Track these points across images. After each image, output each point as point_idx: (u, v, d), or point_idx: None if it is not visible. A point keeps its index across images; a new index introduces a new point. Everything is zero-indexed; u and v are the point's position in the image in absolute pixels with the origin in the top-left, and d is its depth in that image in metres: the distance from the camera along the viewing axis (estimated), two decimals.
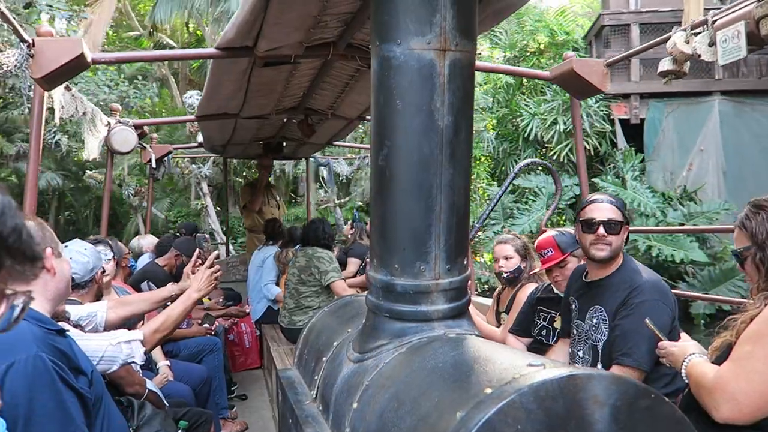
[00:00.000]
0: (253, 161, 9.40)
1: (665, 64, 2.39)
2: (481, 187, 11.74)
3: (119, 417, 1.82)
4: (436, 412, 1.01)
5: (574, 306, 2.43)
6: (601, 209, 2.34)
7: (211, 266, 2.35)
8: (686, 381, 1.72)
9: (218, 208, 13.13)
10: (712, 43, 2.10)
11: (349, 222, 7.89)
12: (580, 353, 2.31)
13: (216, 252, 2.30)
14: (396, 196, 1.48)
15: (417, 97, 1.43)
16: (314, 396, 1.84)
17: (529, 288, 3.07)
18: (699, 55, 2.15)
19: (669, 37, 2.33)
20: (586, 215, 2.31)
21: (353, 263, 5.60)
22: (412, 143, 1.45)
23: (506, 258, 3.19)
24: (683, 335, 2.19)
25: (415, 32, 1.41)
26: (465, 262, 1.57)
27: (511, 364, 1.05)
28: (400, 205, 1.48)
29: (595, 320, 2.27)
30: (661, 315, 2.06)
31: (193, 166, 10.75)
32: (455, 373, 1.11)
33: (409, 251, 1.48)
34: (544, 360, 1.07)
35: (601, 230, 2.24)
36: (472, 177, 8.22)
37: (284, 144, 6.21)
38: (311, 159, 8.02)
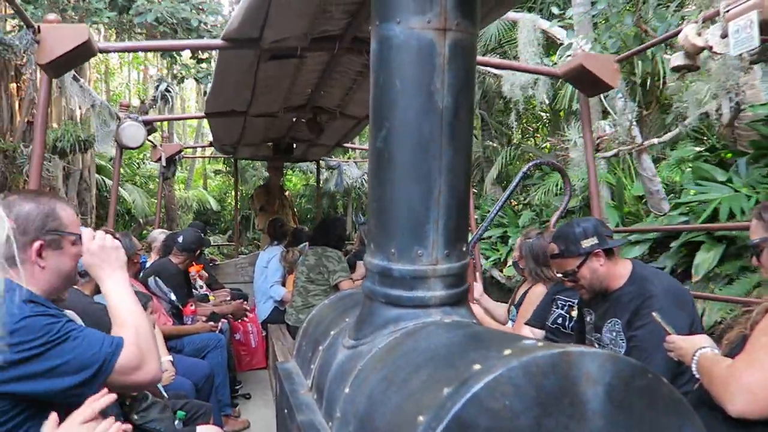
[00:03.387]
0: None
1: (678, 59, 2.34)
2: None
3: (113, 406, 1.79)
4: (424, 390, 0.97)
5: (589, 318, 2.38)
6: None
7: None
8: (697, 376, 1.66)
9: None
10: (724, 35, 2.06)
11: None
12: None
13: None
14: (394, 179, 1.45)
15: (416, 77, 1.40)
16: (310, 385, 1.81)
17: (541, 287, 3.02)
18: (711, 47, 2.11)
19: (680, 31, 2.29)
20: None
21: (361, 266, 5.56)
22: (411, 124, 1.42)
23: None
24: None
25: (415, 11, 1.39)
26: (464, 249, 1.53)
27: (503, 343, 1.01)
28: (398, 188, 1.45)
29: (613, 333, 2.22)
30: (677, 322, 1.98)
31: None
32: (447, 354, 1.08)
33: (407, 236, 1.44)
34: (542, 341, 1.03)
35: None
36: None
37: (294, 145, 6.21)
38: (322, 161, 8.02)
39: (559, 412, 0.87)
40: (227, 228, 16.67)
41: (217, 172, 18.93)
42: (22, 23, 2.25)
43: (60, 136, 7.95)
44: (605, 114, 6.35)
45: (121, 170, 13.78)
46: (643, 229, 5.57)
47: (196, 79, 7.60)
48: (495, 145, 10.77)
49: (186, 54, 7.49)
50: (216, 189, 19.08)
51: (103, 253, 1.59)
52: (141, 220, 13.70)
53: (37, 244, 1.48)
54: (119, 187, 12.63)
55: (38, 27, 2.20)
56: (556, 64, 6.42)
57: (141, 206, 13.86)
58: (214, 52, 7.88)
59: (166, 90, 7.56)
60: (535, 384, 0.86)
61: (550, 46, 7.87)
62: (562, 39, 6.48)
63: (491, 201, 9.18)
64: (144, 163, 15.17)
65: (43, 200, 1.54)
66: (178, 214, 15.30)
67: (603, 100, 5.58)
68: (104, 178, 12.80)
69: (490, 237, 8.45)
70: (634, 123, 5.09)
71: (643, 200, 6.23)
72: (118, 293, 1.60)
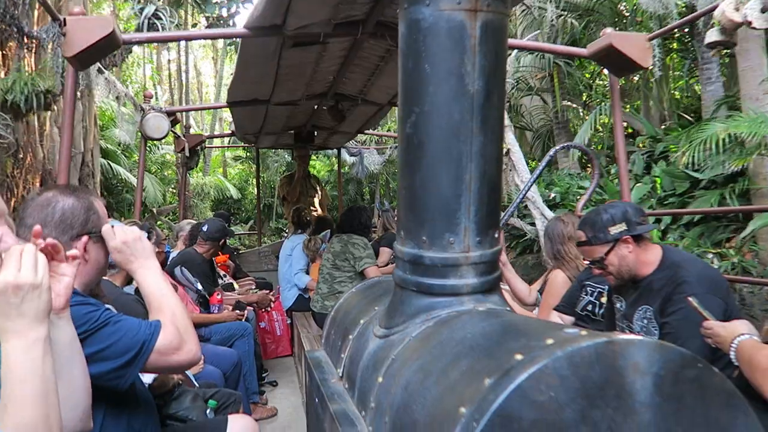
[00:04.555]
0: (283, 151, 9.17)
1: (713, 35, 2.25)
2: None
3: (146, 394, 1.81)
4: (464, 381, 0.95)
5: (619, 305, 2.33)
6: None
7: None
8: (735, 363, 1.62)
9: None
10: (765, 9, 1.97)
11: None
12: None
13: None
14: (424, 165, 1.42)
15: (446, 60, 1.37)
16: (340, 374, 1.81)
17: (561, 273, 2.98)
18: (750, 23, 2.02)
19: (717, 6, 2.20)
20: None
21: (385, 252, 5.56)
22: (441, 109, 1.38)
23: None
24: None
25: None
26: (496, 236, 1.50)
27: (545, 332, 0.98)
28: (428, 174, 1.42)
29: (645, 321, 2.17)
30: (711, 308, 1.93)
31: None
32: (485, 343, 1.05)
33: (438, 223, 1.41)
34: (585, 330, 1.00)
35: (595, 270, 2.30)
36: None
37: (315, 133, 6.20)
38: (343, 149, 8.00)
39: (606, 404, 0.84)
40: (249, 217, 16.48)
41: (236, 159, 18.61)
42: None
43: (11, 87, 5.53)
44: None
45: (133, 155, 12.83)
46: None
47: (198, 3, 6.79)
48: (574, 105, 8.82)
49: None
50: (236, 177, 18.61)
51: (127, 247, 1.59)
52: (154, 210, 13.07)
53: (84, 239, 1.49)
54: (130, 174, 12.12)
55: (64, 20, 2.20)
56: None
57: (153, 194, 13.15)
58: None
59: (154, 15, 5.83)
60: (581, 375, 0.83)
61: None
62: None
63: (570, 176, 7.68)
64: (158, 148, 14.27)
65: (81, 194, 1.55)
66: (194, 202, 14.68)
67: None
68: (110, 162, 11.57)
69: None
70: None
71: None
72: (150, 282, 1.61)
